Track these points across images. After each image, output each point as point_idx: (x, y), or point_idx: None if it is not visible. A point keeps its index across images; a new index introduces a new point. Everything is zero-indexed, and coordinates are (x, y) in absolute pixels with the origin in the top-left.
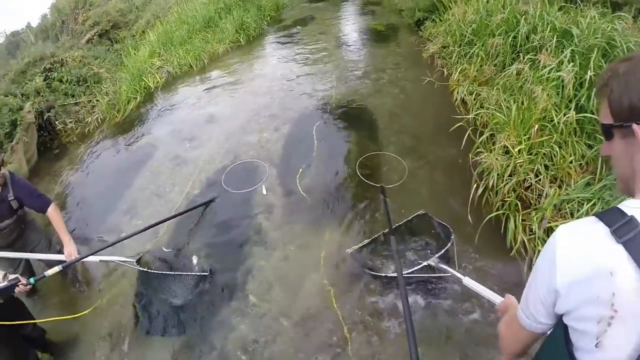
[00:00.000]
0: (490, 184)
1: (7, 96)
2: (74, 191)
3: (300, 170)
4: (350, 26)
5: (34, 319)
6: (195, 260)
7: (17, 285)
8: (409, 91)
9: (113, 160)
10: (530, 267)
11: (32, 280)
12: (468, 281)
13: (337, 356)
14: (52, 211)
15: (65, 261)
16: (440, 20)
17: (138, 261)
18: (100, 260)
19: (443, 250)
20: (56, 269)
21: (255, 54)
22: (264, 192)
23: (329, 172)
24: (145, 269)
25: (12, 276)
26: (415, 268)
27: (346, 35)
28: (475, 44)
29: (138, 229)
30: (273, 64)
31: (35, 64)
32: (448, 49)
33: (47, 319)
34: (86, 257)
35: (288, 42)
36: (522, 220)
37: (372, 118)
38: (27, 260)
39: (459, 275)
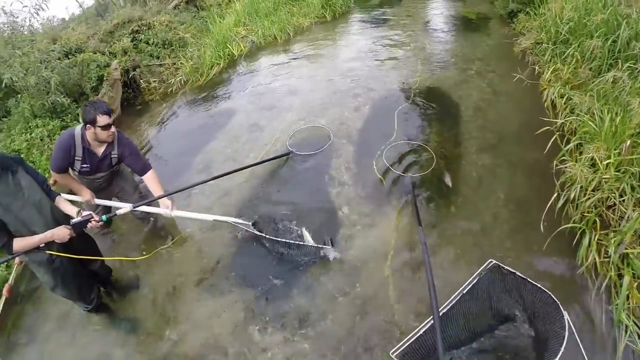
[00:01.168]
0: (572, 195)
1: (96, 53)
2: (152, 146)
3: (378, 152)
4: (439, 11)
5: (103, 257)
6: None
7: (90, 221)
8: (497, 86)
9: (192, 121)
10: (599, 291)
11: (104, 217)
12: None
13: (384, 342)
14: (152, 175)
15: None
16: (535, 14)
17: (254, 224)
18: (215, 220)
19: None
20: (127, 208)
21: (340, 31)
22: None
23: (406, 159)
24: (262, 234)
25: (85, 212)
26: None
27: (434, 21)
28: (571, 44)
29: (211, 176)
30: (357, 42)
31: (123, 25)
32: (541, 46)
33: (114, 258)
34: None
35: (374, 22)
36: (598, 239)
37: (456, 109)
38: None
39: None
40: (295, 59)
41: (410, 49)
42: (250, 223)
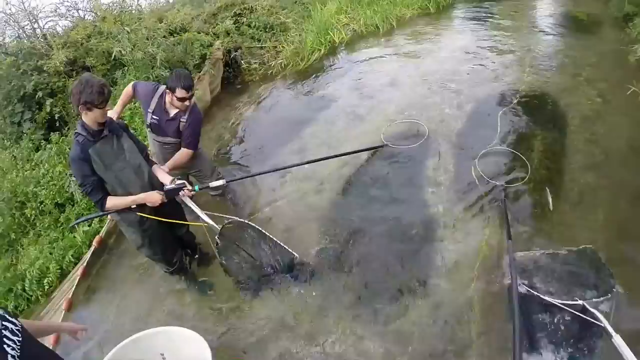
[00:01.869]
0: None
1: (199, 33)
2: (250, 125)
3: (477, 155)
4: (547, 9)
5: (189, 222)
6: None
7: (183, 189)
8: (608, 97)
9: (290, 104)
10: None
11: (196, 187)
12: (619, 340)
13: (458, 350)
14: (186, 152)
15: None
16: None
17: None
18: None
19: (604, 298)
20: (220, 182)
21: (444, 24)
22: None
23: (504, 166)
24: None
25: (179, 181)
26: (568, 302)
27: (541, 19)
28: None
29: (305, 160)
30: (461, 37)
31: (226, 8)
32: None
33: (199, 223)
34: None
35: (479, 17)
36: None
37: (562, 117)
38: (188, 179)
39: (610, 329)
40: (396, 51)
41: (515, 48)
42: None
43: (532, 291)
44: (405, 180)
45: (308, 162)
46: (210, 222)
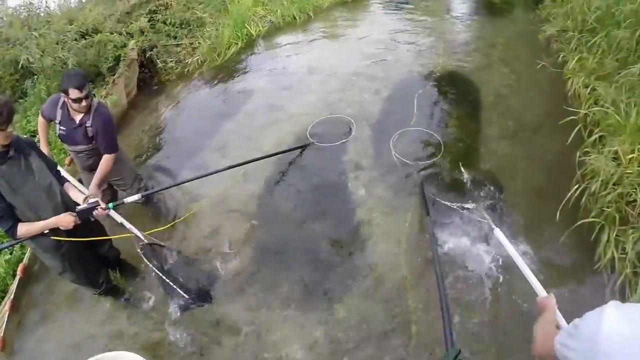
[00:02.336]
0: (593, 189)
1: (113, 34)
2: (169, 126)
3: (396, 136)
4: None
5: (107, 236)
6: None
7: (96, 209)
8: (520, 72)
9: (209, 101)
10: (614, 288)
11: (110, 205)
12: (498, 233)
13: (398, 327)
14: (109, 158)
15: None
16: (562, 1)
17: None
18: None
19: None
20: (136, 197)
21: (361, 13)
22: None
23: (423, 143)
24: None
25: (92, 200)
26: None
27: (457, 4)
28: (598, 33)
29: (222, 167)
30: (378, 24)
31: (140, 5)
32: (567, 34)
33: (118, 236)
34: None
35: (395, 5)
36: (617, 235)
37: (477, 95)
38: (111, 186)
39: (491, 223)
40: (314, 40)
41: (431, 32)
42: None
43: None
44: (328, 167)
45: (231, 167)
46: (137, 232)
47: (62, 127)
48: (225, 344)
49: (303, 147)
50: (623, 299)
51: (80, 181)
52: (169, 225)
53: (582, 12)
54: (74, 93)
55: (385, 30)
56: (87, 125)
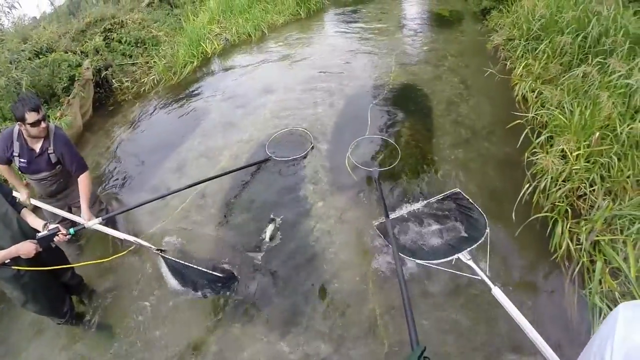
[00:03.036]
0: (542, 185)
1: (67, 53)
2: (126, 147)
3: (351, 148)
4: (414, 9)
5: (71, 264)
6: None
7: (57, 235)
8: (469, 81)
9: (165, 121)
10: (572, 277)
11: (71, 230)
12: (497, 292)
13: (367, 332)
14: (85, 177)
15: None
16: (508, 11)
17: (161, 250)
18: (125, 239)
19: (475, 245)
20: (96, 221)
21: (315, 29)
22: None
23: (376, 153)
24: (169, 257)
25: (52, 226)
26: (442, 260)
27: (408, 18)
28: (543, 40)
29: (181, 187)
30: (332, 40)
31: (95, 24)
32: (513, 42)
33: (81, 264)
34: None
35: (348, 20)
36: (570, 228)
37: (429, 104)
38: (70, 211)
39: (489, 282)
40: (269, 57)
41: (384, 46)
42: (155, 248)
43: (412, 259)
44: (286, 182)
45: (190, 186)
46: (142, 242)
47: (22, 160)
48: None
49: (263, 162)
50: (582, 286)
51: (35, 210)
52: (110, 258)
53: (527, 21)
54: (31, 116)
55: (339, 45)
56: (49, 152)
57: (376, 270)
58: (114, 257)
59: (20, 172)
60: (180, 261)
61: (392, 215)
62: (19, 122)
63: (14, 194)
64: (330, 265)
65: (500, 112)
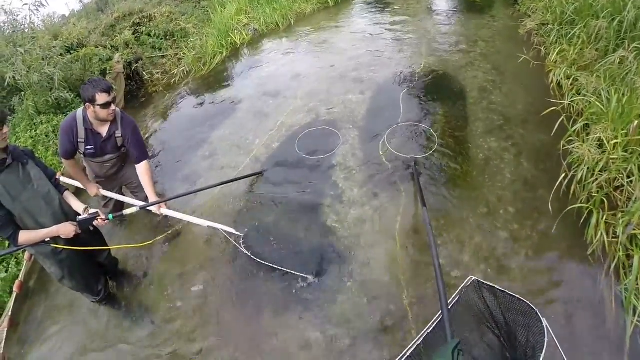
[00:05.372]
0: (579, 176)
1: (98, 47)
2: (158, 137)
3: (384, 136)
4: None
5: (107, 247)
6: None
7: (96, 219)
8: (502, 67)
9: (196, 110)
10: (608, 272)
11: (110, 216)
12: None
13: (396, 324)
14: (146, 165)
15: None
16: None
17: (245, 238)
18: (208, 226)
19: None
20: (133, 209)
21: (343, 16)
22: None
23: (412, 141)
24: (248, 253)
25: (92, 210)
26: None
27: (438, 4)
28: (577, 25)
29: (191, 190)
30: (361, 27)
31: (124, 18)
32: (547, 27)
33: (116, 246)
34: (147, 205)
35: (377, 6)
36: (606, 220)
37: (461, 91)
38: (121, 191)
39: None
40: (298, 46)
41: (414, 32)
42: (241, 235)
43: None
44: (318, 170)
45: (216, 185)
46: (228, 228)
47: (89, 147)
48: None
49: (259, 174)
50: (618, 282)
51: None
52: (152, 241)
53: (561, 5)
54: (102, 97)
55: (368, 32)
56: (117, 135)
57: (409, 260)
58: (147, 243)
59: (84, 157)
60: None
61: None
62: (86, 105)
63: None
64: (362, 253)
65: (535, 99)
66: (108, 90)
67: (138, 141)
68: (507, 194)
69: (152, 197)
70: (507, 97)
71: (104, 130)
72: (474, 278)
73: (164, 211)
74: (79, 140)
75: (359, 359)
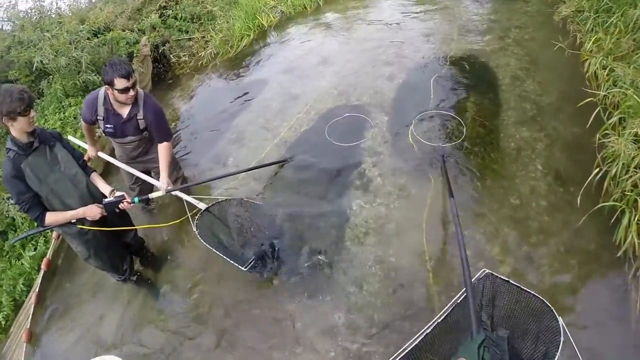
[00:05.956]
0: (613, 172)
1: (124, 31)
2: (185, 119)
3: (414, 121)
4: None
5: (132, 227)
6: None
7: (122, 202)
8: (536, 55)
9: (224, 93)
10: (635, 274)
11: (136, 199)
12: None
13: (421, 313)
14: (166, 145)
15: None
16: None
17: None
18: (186, 201)
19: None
20: (160, 193)
21: None
22: None
23: (442, 129)
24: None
25: (118, 193)
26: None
27: None
28: (614, 13)
29: (216, 175)
30: (390, 10)
31: (150, 2)
32: (582, 14)
33: (141, 226)
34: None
35: None
36: (638, 221)
37: (493, 78)
38: (149, 175)
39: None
40: (326, 28)
41: (444, 16)
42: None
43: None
44: (345, 154)
45: (241, 172)
46: (194, 201)
47: (108, 125)
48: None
49: (284, 162)
50: None
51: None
52: (177, 221)
53: None
54: (120, 83)
55: (397, 15)
56: (138, 117)
57: (436, 249)
58: (173, 222)
59: (105, 136)
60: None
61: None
62: (106, 86)
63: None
64: (387, 242)
65: (569, 89)
66: (127, 75)
67: (160, 124)
68: (539, 186)
69: (163, 178)
70: (541, 86)
71: (124, 111)
72: (487, 271)
73: (170, 190)
74: (98, 117)
75: (380, 347)
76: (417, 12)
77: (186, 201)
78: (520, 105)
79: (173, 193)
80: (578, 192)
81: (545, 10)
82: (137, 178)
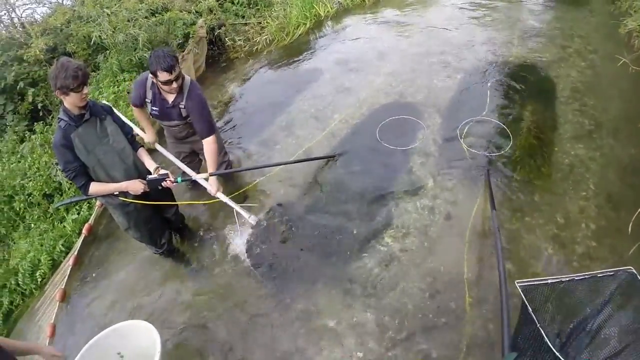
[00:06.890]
0: None
1: (182, 12)
2: (236, 102)
3: (467, 127)
4: None
5: (173, 202)
6: None
7: (165, 180)
8: (598, 68)
9: (277, 79)
10: None
11: (179, 179)
12: None
13: (451, 323)
14: (210, 142)
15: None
16: None
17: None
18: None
19: None
20: (204, 175)
21: None
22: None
23: (494, 137)
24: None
25: (162, 171)
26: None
27: None
28: None
29: (258, 165)
30: (450, 10)
31: None
32: None
33: (182, 202)
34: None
35: None
36: None
37: (552, 88)
38: (197, 155)
39: None
40: (383, 23)
41: (506, 20)
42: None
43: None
44: (395, 155)
45: (285, 163)
46: (243, 211)
47: (154, 108)
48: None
49: (331, 157)
50: None
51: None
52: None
53: None
54: (163, 76)
55: (457, 16)
56: (180, 106)
57: (475, 260)
58: (214, 200)
59: (152, 117)
60: None
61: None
62: (151, 75)
63: (141, 134)
64: (428, 245)
65: (630, 107)
66: (170, 69)
67: (202, 116)
68: (589, 207)
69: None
70: (601, 102)
71: (170, 97)
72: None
73: (220, 195)
74: (146, 99)
75: (410, 352)
76: (478, 14)
77: (227, 202)
78: (577, 119)
79: (222, 199)
80: (630, 219)
81: (610, 21)
82: (185, 157)
